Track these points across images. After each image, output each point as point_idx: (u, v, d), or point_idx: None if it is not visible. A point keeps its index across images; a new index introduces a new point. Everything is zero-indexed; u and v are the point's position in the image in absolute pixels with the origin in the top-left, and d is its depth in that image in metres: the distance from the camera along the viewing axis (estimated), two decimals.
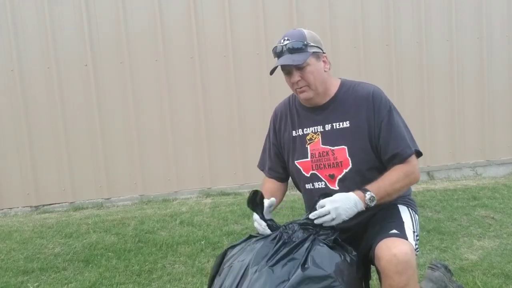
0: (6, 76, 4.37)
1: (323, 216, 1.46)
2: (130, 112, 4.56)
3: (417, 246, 1.57)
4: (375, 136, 1.63)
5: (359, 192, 1.52)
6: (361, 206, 1.49)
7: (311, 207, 1.52)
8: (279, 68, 1.66)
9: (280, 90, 4.42)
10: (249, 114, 4.74)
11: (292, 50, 1.60)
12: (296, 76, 1.62)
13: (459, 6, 5.14)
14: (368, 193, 1.52)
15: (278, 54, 1.64)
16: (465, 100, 5.25)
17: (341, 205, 1.46)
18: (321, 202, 1.48)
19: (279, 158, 1.85)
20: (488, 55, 5.27)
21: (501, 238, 3.06)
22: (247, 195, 1.56)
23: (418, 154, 1.66)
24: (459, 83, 5.22)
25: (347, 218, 1.47)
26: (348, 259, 1.43)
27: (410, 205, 1.74)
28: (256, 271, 1.33)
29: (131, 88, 4.55)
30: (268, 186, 1.85)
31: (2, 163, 4.42)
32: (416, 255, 1.53)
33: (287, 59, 1.60)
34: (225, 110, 4.73)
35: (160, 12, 4.54)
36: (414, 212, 1.71)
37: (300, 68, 1.61)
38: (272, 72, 1.68)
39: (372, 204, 1.51)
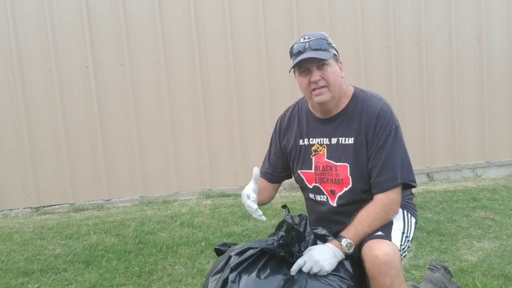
0: (6, 77, 4.39)
1: (303, 265, 1.39)
2: (130, 113, 4.57)
3: (404, 247, 1.54)
4: (369, 157, 1.59)
5: (335, 241, 1.47)
6: (340, 254, 1.43)
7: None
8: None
9: (280, 92, 4.48)
10: (249, 116, 4.72)
11: (316, 47, 1.54)
12: (317, 75, 1.55)
13: (459, 8, 5.15)
14: (344, 240, 1.46)
15: (301, 51, 1.55)
16: (465, 101, 5.25)
17: (320, 257, 1.40)
18: (300, 260, 1.40)
19: (279, 161, 1.82)
20: (488, 57, 5.28)
21: (500, 239, 3.06)
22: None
23: (408, 185, 1.60)
24: (458, 84, 5.22)
25: (329, 268, 1.40)
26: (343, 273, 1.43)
27: (406, 207, 1.70)
28: None
29: (131, 90, 4.56)
30: None
31: (3, 164, 4.44)
32: (402, 255, 1.51)
33: (313, 54, 1.53)
34: (225, 111, 4.73)
35: (160, 14, 4.56)
36: (410, 215, 1.68)
37: (321, 67, 1.56)
38: (291, 69, 1.61)
39: (351, 250, 1.46)
